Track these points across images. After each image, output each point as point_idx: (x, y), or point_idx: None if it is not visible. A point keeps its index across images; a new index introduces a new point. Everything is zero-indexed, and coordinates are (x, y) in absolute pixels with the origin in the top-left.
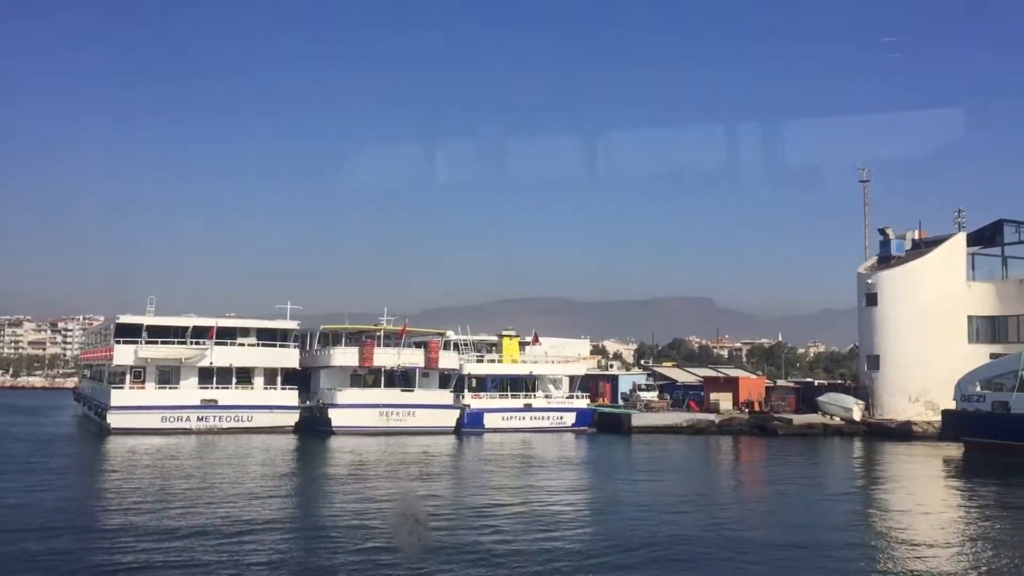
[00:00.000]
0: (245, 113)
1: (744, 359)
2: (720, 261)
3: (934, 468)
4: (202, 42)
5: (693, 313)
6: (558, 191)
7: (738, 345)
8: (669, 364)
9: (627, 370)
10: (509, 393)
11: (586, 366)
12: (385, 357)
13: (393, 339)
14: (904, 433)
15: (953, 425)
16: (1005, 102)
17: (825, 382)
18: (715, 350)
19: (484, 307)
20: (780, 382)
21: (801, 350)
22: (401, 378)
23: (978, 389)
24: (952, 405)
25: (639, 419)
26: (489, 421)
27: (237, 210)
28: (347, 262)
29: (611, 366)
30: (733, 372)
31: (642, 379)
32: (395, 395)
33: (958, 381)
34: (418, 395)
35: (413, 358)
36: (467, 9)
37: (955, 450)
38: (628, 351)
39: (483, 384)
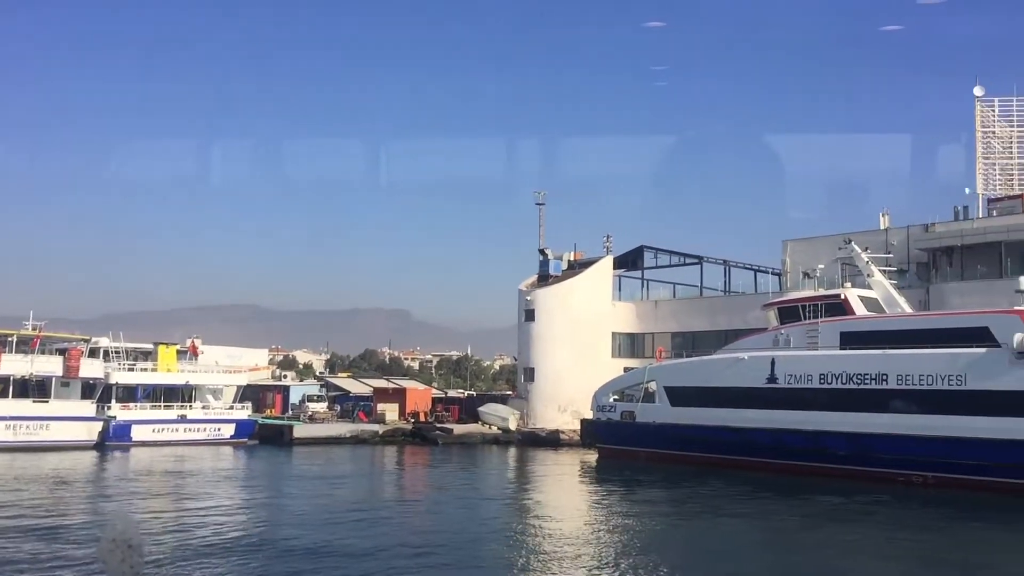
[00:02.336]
0: None
1: (433, 371)
2: (418, 273)
3: (570, 473)
4: None
5: (390, 325)
6: (284, 198)
7: (429, 357)
8: (344, 375)
9: (300, 381)
10: (163, 404)
11: (251, 377)
12: (15, 365)
13: (28, 345)
14: (553, 441)
15: (589, 433)
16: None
17: (468, 393)
18: (406, 361)
19: (172, 313)
20: (452, 393)
21: (487, 362)
22: (36, 388)
23: (611, 400)
24: (591, 415)
25: (301, 430)
26: (138, 434)
27: None
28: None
29: (284, 376)
30: (406, 383)
31: (315, 390)
32: (25, 406)
33: (595, 392)
34: (53, 406)
35: (49, 366)
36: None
37: (593, 457)
38: (320, 361)
39: (133, 394)
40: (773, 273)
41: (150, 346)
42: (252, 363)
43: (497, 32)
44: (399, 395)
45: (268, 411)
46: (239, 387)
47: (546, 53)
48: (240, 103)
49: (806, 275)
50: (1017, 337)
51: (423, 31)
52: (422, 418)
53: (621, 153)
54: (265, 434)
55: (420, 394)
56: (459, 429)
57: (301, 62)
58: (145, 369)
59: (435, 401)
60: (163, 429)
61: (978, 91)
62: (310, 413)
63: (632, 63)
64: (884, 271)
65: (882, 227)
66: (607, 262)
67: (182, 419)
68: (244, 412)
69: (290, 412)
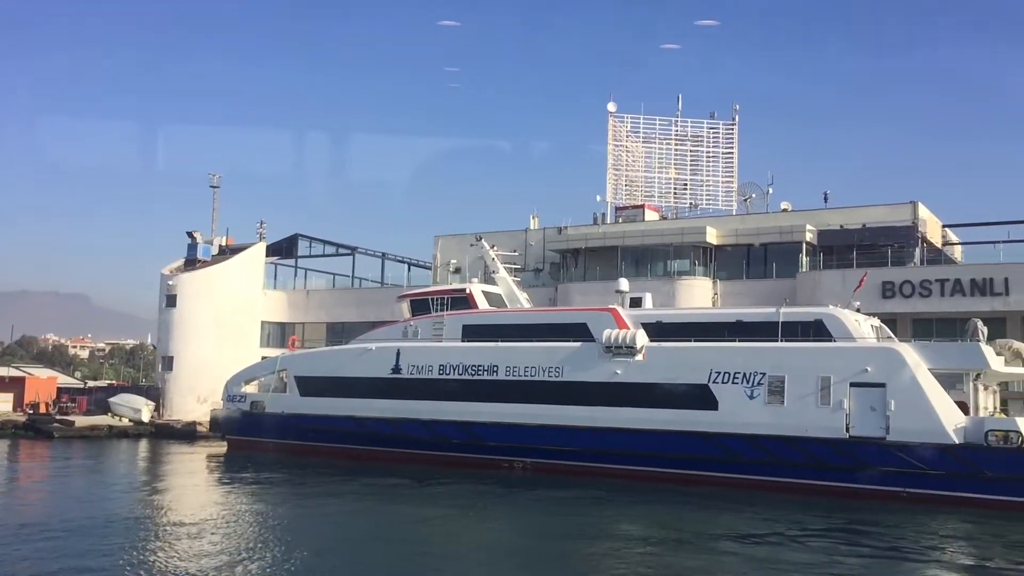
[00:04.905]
0: None
1: (105, 360)
2: (102, 257)
3: (193, 467)
4: None
5: (65, 310)
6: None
7: (101, 345)
8: None
9: None
10: None
11: None
12: None
13: None
14: (189, 434)
15: (219, 424)
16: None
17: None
18: (74, 349)
19: None
20: (92, 383)
21: None
22: None
23: (242, 389)
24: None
25: None
26: None
27: None
28: None
29: None
30: (34, 370)
31: None
32: None
33: (227, 382)
34: None
35: None
36: None
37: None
38: None
39: None
40: (424, 267)
41: None
42: None
43: (288, 23)
44: (17, 384)
45: None
46: None
47: (339, 45)
48: None
49: (456, 270)
50: (605, 333)
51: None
52: (43, 409)
53: (405, 151)
54: None
55: (42, 383)
56: (84, 421)
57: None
58: None
59: (61, 391)
60: None
61: (611, 107)
62: None
63: (427, 62)
64: (510, 268)
65: (532, 227)
66: (259, 249)
67: None
68: None
69: None
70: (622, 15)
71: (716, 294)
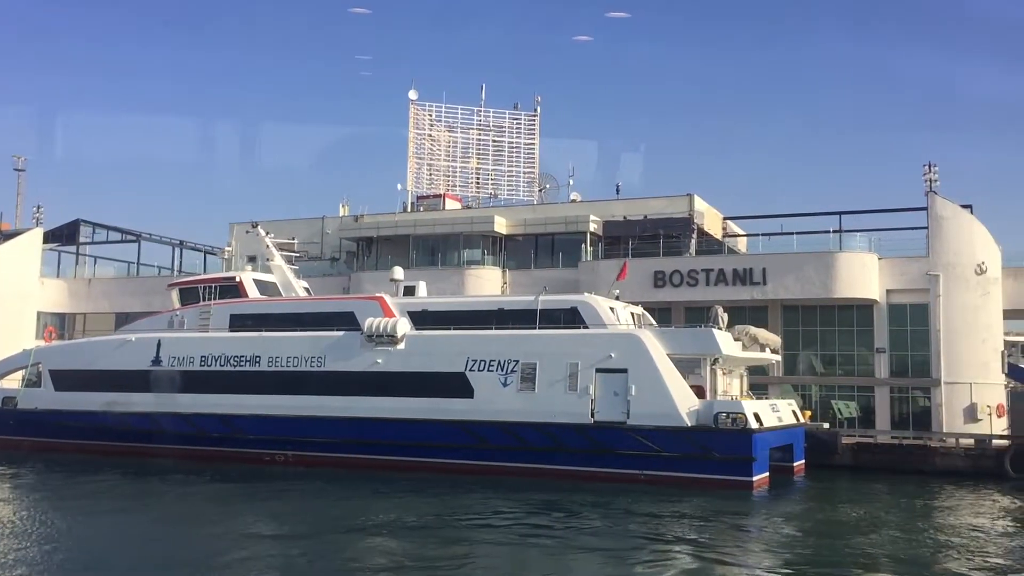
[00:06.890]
0: None
1: None
2: None
3: None
4: None
5: None
6: None
7: None
8: None
9: None
10: None
11: None
12: None
13: None
14: None
15: None
16: None
17: None
18: None
19: None
20: None
21: None
22: None
23: None
24: None
25: None
26: None
27: None
28: None
29: None
30: None
31: None
32: None
33: None
34: None
35: None
36: None
37: None
38: None
39: None
40: (209, 253)
41: None
42: None
43: (192, 7)
44: None
45: None
46: None
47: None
48: None
49: (251, 258)
50: (368, 322)
51: None
52: None
53: (314, 139)
54: None
55: None
56: None
57: None
58: None
59: None
60: None
61: (412, 95)
62: None
63: (338, 50)
64: (289, 256)
65: (342, 214)
66: (35, 235)
67: None
68: None
69: None
70: (536, 7)
71: (505, 283)
